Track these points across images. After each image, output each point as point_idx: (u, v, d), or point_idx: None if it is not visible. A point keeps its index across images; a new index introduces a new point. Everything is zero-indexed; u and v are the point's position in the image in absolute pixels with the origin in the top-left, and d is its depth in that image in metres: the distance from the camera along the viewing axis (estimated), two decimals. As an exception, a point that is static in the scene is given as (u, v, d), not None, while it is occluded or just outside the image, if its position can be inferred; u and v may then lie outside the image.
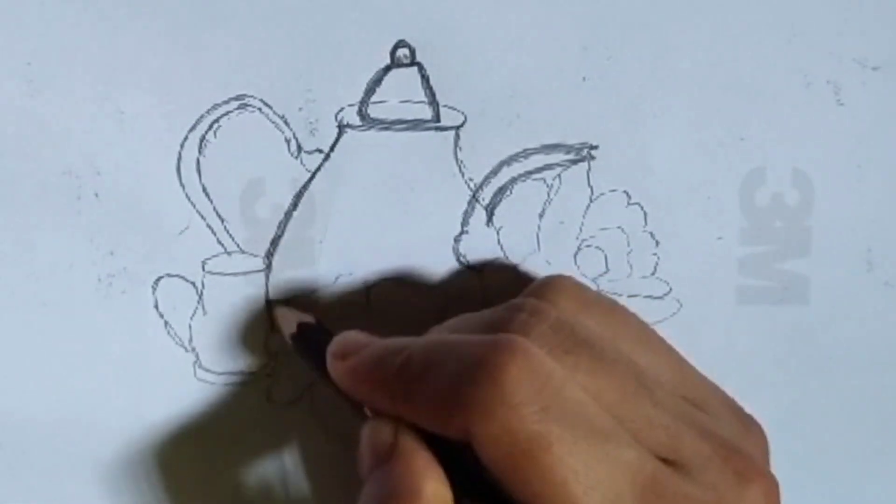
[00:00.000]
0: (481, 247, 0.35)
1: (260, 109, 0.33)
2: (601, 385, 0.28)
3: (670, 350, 0.31)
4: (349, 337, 0.31)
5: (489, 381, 0.26)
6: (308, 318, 0.34)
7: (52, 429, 0.34)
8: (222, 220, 0.34)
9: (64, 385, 0.34)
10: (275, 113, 0.33)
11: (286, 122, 0.33)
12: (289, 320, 0.34)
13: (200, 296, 0.34)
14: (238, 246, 0.34)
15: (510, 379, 0.26)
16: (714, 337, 0.36)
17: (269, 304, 0.34)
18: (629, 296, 0.35)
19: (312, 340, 0.33)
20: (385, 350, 0.29)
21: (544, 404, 0.26)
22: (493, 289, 0.35)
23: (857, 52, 0.34)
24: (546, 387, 0.26)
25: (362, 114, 0.33)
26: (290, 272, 0.34)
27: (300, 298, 0.35)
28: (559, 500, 0.26)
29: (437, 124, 0.34)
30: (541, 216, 0.35)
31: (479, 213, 0.34)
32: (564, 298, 0.30)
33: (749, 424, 0.31)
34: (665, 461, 0.27)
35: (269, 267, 0.34)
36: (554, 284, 0.31)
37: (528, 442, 0.26)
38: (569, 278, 0.31)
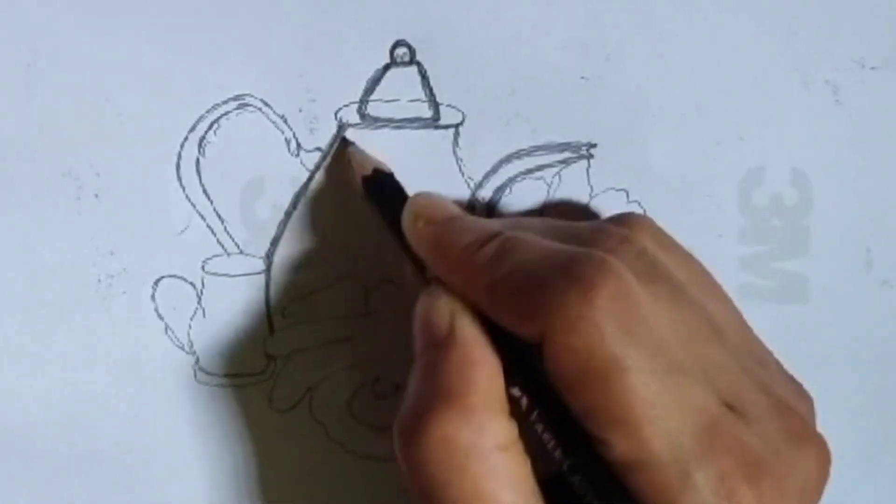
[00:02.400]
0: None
1: (260, 109, 0.33)
2: (678, 321, 0.27)
3: (736, 308, 0.31)
4: (434, 200, 0.31)
5: (580, 295, 0.26)
6: (383, 166, 0.33)
7: (52, 429, 0.34)
8: (222, 221, 0.34)
9: (63, 385, 0.34)
10: (275, 112, 0.33)
11: (286, 122, 0.33)
12: (361, 162, 0.33)
13: (200, 297, 0.34)
14: (238, 247, 0.34)
15: (600, 297, 0.26)
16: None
17: (343, 142, 0.33)
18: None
19: (383, 188, 0.32)
20: (476, 234, 0.29)
21: (628, 329, 0.26)
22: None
23: (856, 51, 0.35)
24: (633, 312, 0.26)
25: (362, 112, 0.33)
26: (290, 273, 0.34)
27: (299, 300, 0.35)
28: (621, 424, 0.26)
29: (437, 123, 0.34)
30: (540, 215, 0.35)
31: (479, 212, 0.34)
32: (646, 235, 0.30)
33: (801, 390, 0.30)
34: (726, 405, 0.27)
35: (268, 268, 0.34)
36: (637, 221, 0.30)
37: (604, 362, 0.26)
38: (650, 218, 0.31)
